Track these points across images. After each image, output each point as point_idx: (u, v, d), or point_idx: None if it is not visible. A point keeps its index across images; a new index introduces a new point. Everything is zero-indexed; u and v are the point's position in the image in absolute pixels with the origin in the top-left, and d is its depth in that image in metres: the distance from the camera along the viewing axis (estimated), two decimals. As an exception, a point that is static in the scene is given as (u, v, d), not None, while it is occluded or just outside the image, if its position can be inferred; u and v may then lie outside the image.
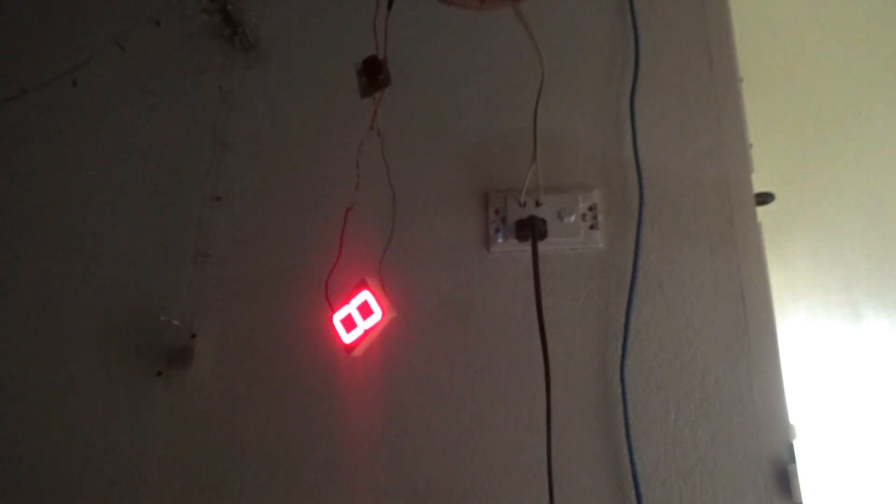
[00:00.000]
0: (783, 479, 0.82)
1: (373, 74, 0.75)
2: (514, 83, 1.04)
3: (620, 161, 0.98)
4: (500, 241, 0.97)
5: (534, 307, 0.89)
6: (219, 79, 1.06)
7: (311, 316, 0.96)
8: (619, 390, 0.86)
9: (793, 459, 0.84)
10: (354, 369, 0.93)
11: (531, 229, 0.94)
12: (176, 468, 0.92)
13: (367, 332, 0.88)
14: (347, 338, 0.88)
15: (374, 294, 0.88)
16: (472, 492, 0.86)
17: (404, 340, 0.93)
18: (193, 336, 0.96)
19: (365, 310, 0.87)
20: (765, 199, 1.00)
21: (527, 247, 0.94)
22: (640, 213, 0.94)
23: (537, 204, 0.97)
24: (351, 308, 0.88)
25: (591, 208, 0.96)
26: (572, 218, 0.95)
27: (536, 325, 0.88)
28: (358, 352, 0.88)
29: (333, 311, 0.89)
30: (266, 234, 1.02)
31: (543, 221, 0.95)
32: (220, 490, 0.91)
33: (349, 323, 0.88)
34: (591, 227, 0.96)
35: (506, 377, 0.91)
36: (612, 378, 0.88)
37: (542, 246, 0.93)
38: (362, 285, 0.89)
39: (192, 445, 0.93)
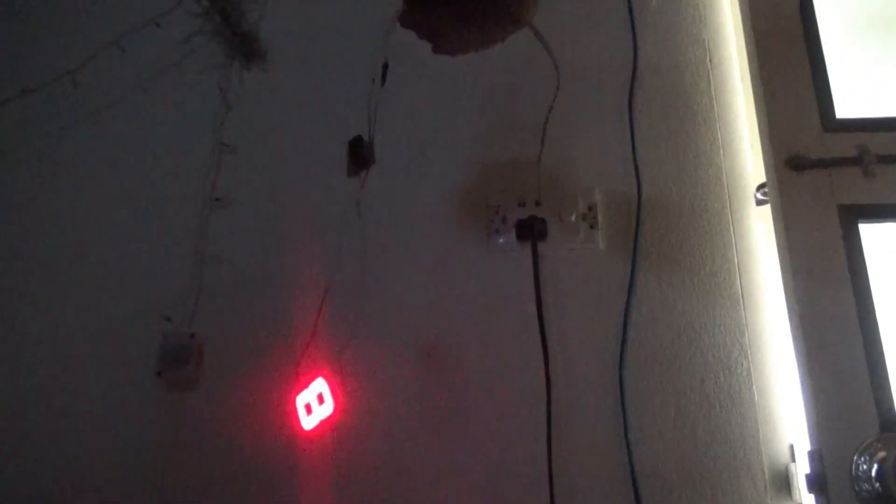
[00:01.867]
0: (783, 479, 0.83)
1: (357, 155, 0.76)
2: (514, 83, 1.05)
3: (620, 161, 0.98)
4: (500, 241, 0.97)
5: (534, 307, 0.90)
6: (219, 79, 1.07)
7: (311, 321, 0.96)
8: (619, 390, 0.87)
9: (793, 459, 0.83)
10: (355, 373, 0.93)
11: (531, 229, 0.94)
12: (175, 468, 0.92)
13: (322, 422, 0.88)
14: (307, 422, 0.88)
15: (329, 384, 0.88)
16: (473, 491, 0.86)
17: (401, 343, 0.93)
18: (193, 336, 0.96)
19: (320, 399, 0.88)
20: (765, 199, 1.01)
21: (527, 247, 0.94)
22: (639, 213, 0.94)
23: (537, 204, 0.97)
24: (310, 395, 0.88)
25: (590, 208, 0.97)
26: (572, 218, 0.96)
27: (536, 325, 0.89)
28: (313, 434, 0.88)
29: (297, 391, 0.89)
30: (266, 234, 1.02)
31: (543, 221, 0.95)
32: (220, 490, 0.90)
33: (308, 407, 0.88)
34: (591, 227, 0.96)
35: (506, 377, 0.90)
36: (611, 378, 0.88)
37: (542, 246, 0.94)
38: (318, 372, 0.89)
39: (192, 445, 0.93)
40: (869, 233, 0.90)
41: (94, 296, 1.01)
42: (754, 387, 0.86)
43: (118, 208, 1.05)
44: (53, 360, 0.99)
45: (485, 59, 1.05)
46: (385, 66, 0.71)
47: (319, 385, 0.87)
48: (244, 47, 1.02)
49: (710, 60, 1.02)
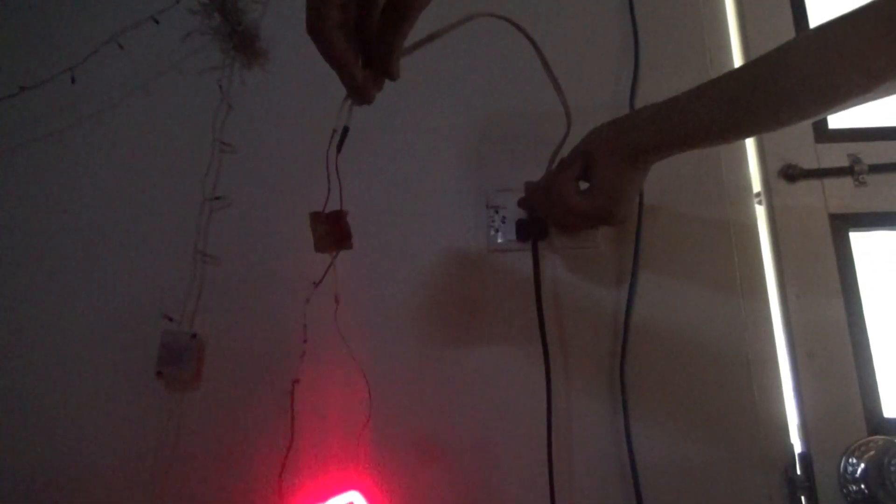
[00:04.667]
0: (783, 479, 0.84)
1: (335, 230, 0.65)
2: (515, 83, 1.05)
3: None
4: (500, 241, 0.98)
5: (534, 307, 0.91)
6: (219, 78, 1.06)
7: (316, 319, 0.96)
8: (619, 391, 0.88)
9: (793, 458, 0.86)
10: (357, 374, 0.93)
11: (531, 229, 0.95)
12: (175, 469, 0.92)
13: None
14: None
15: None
16: (472, 492, 0.88)
17: (404, 339, 0.94)
18: (193, 336, 0.96)
19: None
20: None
21: (527, 247, 0.95)
22: (639, 213, 0.95)
23: (538, 204, 0.98)
24: None
25: (591, 208, 0.97)
26: (572, 218, 0.97)
27: (536, 326, 0.90)
28: None
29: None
30: (267, 233, 1.02)
31: (544, 221, 0.96)
32: (220, 491, 0.91)
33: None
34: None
35: (506, 377, 0.91)
36: (612, 378, 0.89)
37: (542, 246, 0.95)
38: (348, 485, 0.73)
39: (192, 446, 0.93)
40: (859, 240, 0.93)
41: (93, 295, 1.01)
42: (754, 386, 0.87)
43: (117, 207, 1.04)
44: (52, 359, 0.98)
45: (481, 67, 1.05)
46: (345, 131, 0.62)
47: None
48: (245, 46, 1.01)
49: (711, 60, 1.03)
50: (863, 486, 0.78)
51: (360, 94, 0.58)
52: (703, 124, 0.72)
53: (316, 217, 0.65)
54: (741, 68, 0.73)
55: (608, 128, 0.82)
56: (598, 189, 0.81)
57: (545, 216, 0.94)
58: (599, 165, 0.80)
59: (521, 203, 0.96)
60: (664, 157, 0.79)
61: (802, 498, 0.83)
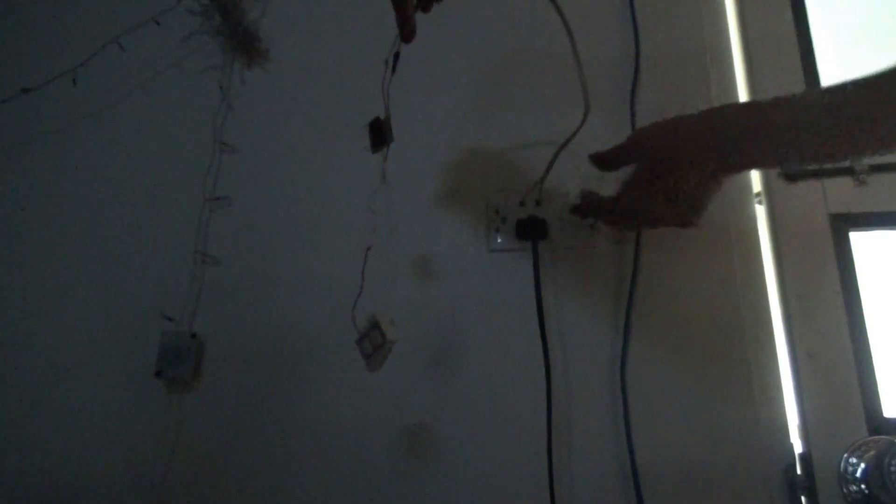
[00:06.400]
0: (784, 479, 0.84)
1: (378, 134, 0.81)
2: (516, 82, 1.05)
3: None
4: (499, 241, 0.98)
5: (534, 307, 0.91)
6: (219, 78, 1.06)
7: (315, 320, 0.97)
8: (620, 390, 0.88)
9: (793, 458, 0.86)
10: (357, 373, 0.93)
11: (531, 229, 0.95)
12: (175, 469, 0.92)
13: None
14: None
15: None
16: (472, 492, 0.88)
17: (404, 340, 0.94)
18: (193, 336, 0.96)
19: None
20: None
21: (527, 247, 0.95)
22: (639, 215, 0.95)
23: (537, 203, 0.97)
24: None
25: (591, 208, 0.97)
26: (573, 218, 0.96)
27: (536, 325, 0.90)
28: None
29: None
30: (267, 233, 1.02)
31: (543, 221, 0.96)
32: (220, 492, 0.91)
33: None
34: (592, 227, 0.97)
35: (506, 377, 0.92)
36: (612, 378, 0.89)
37: (542, 246, 0.95)
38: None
39: (192, 447, 0.93)
40: (859, 240, 0.93)
41: (92, 295, 1.01)
42: (754, 386, 0.88)
43: (118, 208, 1.05)
44: (52, 359, 0.99)
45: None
46: (396, 55, 0.75)
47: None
48: (245, 46, 1.01)
49: (711, 59, 1.03)
50: (863, 486, 0.78)
51: (410, 33, 0.70)
52: (842, 143, 0.65)
53: (368, 127, 0.81)
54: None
55: (688, 132, 0.76)
56: (680, 197, 0.77)
57: (608, 221, 0.93)
58: (682, 176, 0.75)
59: (574, 210, 0.94)
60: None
61: (802, 498, 0.83)
